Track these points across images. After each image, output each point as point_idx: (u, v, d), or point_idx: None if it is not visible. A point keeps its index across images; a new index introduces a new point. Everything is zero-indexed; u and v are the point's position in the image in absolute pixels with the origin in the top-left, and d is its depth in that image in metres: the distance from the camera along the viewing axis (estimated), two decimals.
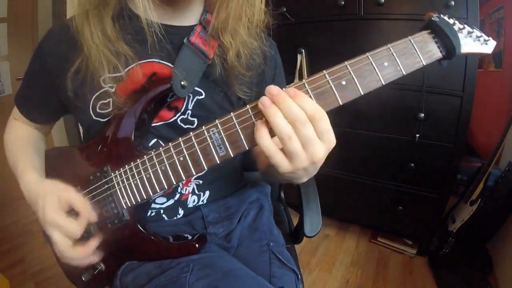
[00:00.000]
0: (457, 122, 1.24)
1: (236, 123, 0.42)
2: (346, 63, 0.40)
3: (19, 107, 0.64)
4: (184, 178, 0.47)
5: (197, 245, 0.56)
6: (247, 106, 0.41)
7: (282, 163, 0.39)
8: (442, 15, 0.42)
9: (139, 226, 0.55)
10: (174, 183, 0.48)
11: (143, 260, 0.57)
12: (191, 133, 0.45)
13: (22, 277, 1.48)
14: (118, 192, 0.53)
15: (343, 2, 1.31)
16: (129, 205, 0.53)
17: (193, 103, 0.58)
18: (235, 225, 0.67)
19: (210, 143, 0.44)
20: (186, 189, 0.64)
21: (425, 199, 1.40)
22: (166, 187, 0.49)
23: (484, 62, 1.93)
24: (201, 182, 0.66)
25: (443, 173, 1.33)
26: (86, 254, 0.54)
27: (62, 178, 0.55)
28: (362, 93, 0.40)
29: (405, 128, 1.34)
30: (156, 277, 0.52)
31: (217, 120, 0.43)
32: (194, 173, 0.46)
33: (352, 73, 0.39)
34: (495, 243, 1.37)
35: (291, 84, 0.40)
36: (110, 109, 0.54)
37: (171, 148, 0.47)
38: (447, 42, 0.41)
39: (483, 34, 0.44)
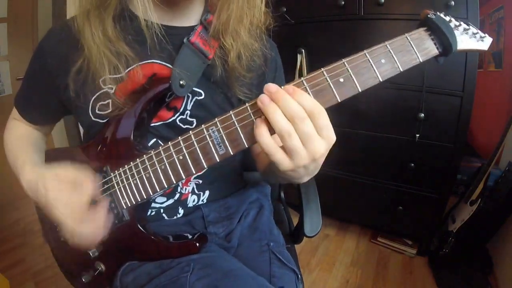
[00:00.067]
0: (457, 122, 1.24)
1: (235, 121, 0.42)
2: (343, 60, 0.40)
3: (19, 109, 0.64)
4: (184, 177, 0.47)
5: (197, 244, 0.56)
6: (246, 104, 0.41)
7: (283, 161, 0.39)
8: (438, 13, 0.42)
9: (139, 226, 0.55)
10: (174, 182, 0.48)
11: (144, 260, 0.57)
12: (190, 132, 0.45)
13: (22, 277, 1.48)
14: (118, 192, 0.53)
15: (343, 2, 1.31)
16: (129, 205, 0.53)
17: (192, 103, 0.58)
18: (235, 225, 0.67)
19: (210, 142, 0.44)
20: (185, 188, 0.64)
21: (425, 199, 1.40)
22: (166, 186, 0.49)
23: (484, 62, 1.93)
24: (200, 182, 0.66)
25: (443, 173, 1.33)
26: (96, 227, 0.51)
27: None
28: (360, 90, 0.40)
29: (405, 128, 1.34)
30: (156, 277, 0.52)
31: (216, 119, 0.43)
32: (194, 172, 0.46)
33: (349, 70, 0.40)
34: (495, 243, 1.37)
35: (289, 83, 0.40)
36: (109, 110, 0.54)
37: (171, 147, 0.47)
38: (444, 39, 0.41)
39: (479, 31, 0.44)
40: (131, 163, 0.51)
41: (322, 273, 1.49)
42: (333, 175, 1.57)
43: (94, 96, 0.54)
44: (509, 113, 1.41)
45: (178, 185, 0.63)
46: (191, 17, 0.58)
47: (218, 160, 0.44)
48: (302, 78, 0.40)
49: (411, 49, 0.41)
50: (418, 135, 1.31)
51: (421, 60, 0.41)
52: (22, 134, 0.65)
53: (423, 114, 1.27)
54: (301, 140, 0.37)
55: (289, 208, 0.95)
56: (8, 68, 2.03)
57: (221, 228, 0.66)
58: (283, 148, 0.39)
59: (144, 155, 0.50)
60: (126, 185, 0.52)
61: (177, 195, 0.64)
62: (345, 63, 0.40)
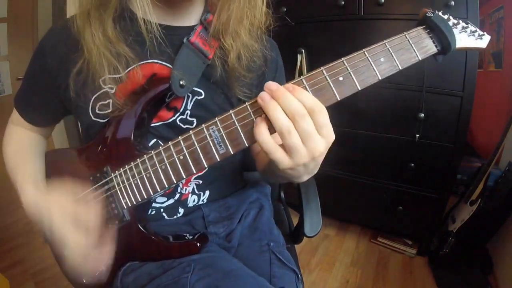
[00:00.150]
0: (457, 122, 1.24)
1: (235, 121, 0.42)
2: (343, 59, 0.40)
3: (18, 109, 0.63)
4: (184, 177, 0.47)
5: (198, 244, 0.56)
6: (246, 103, 0.42)
7: (282, 159, 0.39)
8: (436, 11, 0.43)
9: (139, 226, 0.55)
10: (175, 182, 0.48)
11: (144, 261, 0.57)
12: (190, 131, 0.45)
13: (22, 277, 1.48)
14: (118, 192, 0.53)
15: (343, 2, 1.31)
16: (130, 205, 0.53)
17: (192, 103, 0.58)
18: (235, 225, 0.67)
19: (210, 141, 0.44)
20: (186, 189, 0.64)
21: (425, 199, 1.40)
22: (167, 186, 0.49)
23: (484, 62, 1.93)
24: (201, 182, 0.66)
25: (443, 173, 1.33)
26: (98, 268, 0.54)
27: (62, 180, 0.55)
28: (360, 89, 0.40)
29: (405, 128, 1.34)
30: (157, 277, 0.52)
31: (216, 118, 0.43)
32: (195, 172, 0.46)
33: (349, 69, 0.40)
34: (495, 243, 1.37)
35: (289, 82, 0.41)
36: (109, 110, 0.54)
37: (171, 147, 0.47)
38: (442, 37, 0.42)
39: (477, 29, 0.44)
40: (132, 163, 0.51)
41: (322, 273, 1.49)
42: (333, 175, 1.57)
43: (94, 96, 0.54)
44: (509, 113, 1.41)
45: (178, 186, 0.63)
46: (191, 17, 0.58)
47: (218, 160, 0.44)
48: (301, 77, 0.40)
49: (410, 48, 0.41)
50: (418, 135, 1.31)
51: (420, 58, 0.42)
52: (21, 141, 0.65)
53: (423, 114, 1.27)
54: (301, 138, 0.37)
55: (289, 208, 0.95)
56: (8, 68, 2.03)
57: (222, 228, 0.66)
58: (282, 146, 0.39)
59: (145, 155, 0.50)
60: (127, 185, 0.52)
61: (177, 195, 0.64)
62: (344, 61, 0.40)
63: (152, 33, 0.51)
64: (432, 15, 0.42)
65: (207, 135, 0.44)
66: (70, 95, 0.55)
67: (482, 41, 0.45)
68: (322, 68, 0.40)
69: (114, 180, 0.53)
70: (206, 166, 0.45)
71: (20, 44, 2.02)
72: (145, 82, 0.54)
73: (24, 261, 1.58)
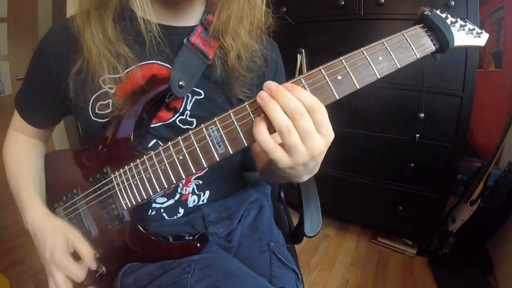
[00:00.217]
0: (457, 122, 1.24)
1: (234, 121, 0.42)
2: (341, 58, 0.40)
3: (19, 110, 0.63)
4: (184, 177, 0.47)
5: (198, 245, 0.56)
6: (245, 103, 0.41)
7: (282, 158, 0.39)
8: (434, 10, 0.43)
9: (139, 227, 0.55)
10: (174, 182, 0.48)
11: (144, 261, 0.57)
12: (190, 131, 0.45)
13: (22, 277, 1.47)
14: (118, 193, 0.53)
15: (343, 2, 1.31)
16: (130, 206, 0.53)
17: (191, 103, 0.58)
18: (235, 225, 0.67)
19: (209, 141, 0.44)
20: (186, 189, 0.64)
21: (425, 199, 1.40)
22: (166, 186, 0.49)
23: (484, 62, 1.93)
24: (201, 182, 0.66)
25: (443, 173, 1.33)
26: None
27: (63, 181, 0.55)
28: (358, 87, 0.40)
29: (405, 128, 1.34)
30: (157, 278, 0.52)
31: (215, 118, 0.43)
32: (194, 172, 0.46)
33: (347, 68, 0.40)
34: (495, 243, 1.37)
35: (287, 81, 0.40)
36: (109, 110, 0.54)
37: (171, 147, 0.47)
38: (440, 36, 0.42)
39: (475, 27, 0.44)
40: (131, 163, 0.51)
41: (322, 273, 1.49)
42: (333, 175, 1.57)
43: (94, 96, 0.54)
44: (509, 113, 1.41)
45: (178, 186, 0.63)
46: (191, 17, 0.58)
47: (218, 159, 0.44)
48: (300, 76, 0.40)
49: (408, 46, 0.41)
50: (418, 135, 1.31)
51: (418, 57, 0.42)
52: (22, 149, 0.65)
53: (423, 114, 1.27)
54: (300, 137, 0.37)
55: (289, 208, 0.95)
56: (8, 68, 2.03)
57: (222, 228, 0.66)
58: (282, 146, 0.39)
59: (144, 156, 0.50)
60: (127, 185, 0.52)
61: (178, 196, 0.64)
62: (343, 60, 0.40)
63: (151, 32, 0.51)
64: (430, 13, 0.42)
65: (206, 135, 0.44)
66: (70, 95, 0.55)
67: (480, 39, 0.45)
68: (320, 67, 0.40)
69: (114, 181, 0.53)
70: (205, 166, 0.45)
71: (20, 44, 2.02)
72: (144, 82, 0.54)
73: (24, 261, 1.58)
